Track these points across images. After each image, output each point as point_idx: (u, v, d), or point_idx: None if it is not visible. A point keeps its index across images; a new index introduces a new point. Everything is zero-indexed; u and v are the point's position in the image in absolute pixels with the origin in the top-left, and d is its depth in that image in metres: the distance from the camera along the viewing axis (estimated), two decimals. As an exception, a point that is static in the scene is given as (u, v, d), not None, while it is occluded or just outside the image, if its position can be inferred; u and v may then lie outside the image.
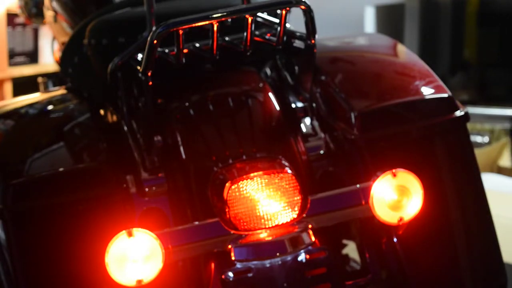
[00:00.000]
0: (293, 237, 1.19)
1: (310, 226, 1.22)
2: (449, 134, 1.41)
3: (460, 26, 4.22)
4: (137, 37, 1.41)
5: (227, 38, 1.31)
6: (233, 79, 1.46)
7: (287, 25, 1.28)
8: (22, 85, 3.69)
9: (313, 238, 1.21)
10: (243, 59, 1.39)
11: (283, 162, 1.24)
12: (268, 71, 1.55)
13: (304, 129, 1.45)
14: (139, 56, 1.31)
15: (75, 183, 1.28)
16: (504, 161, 3.79)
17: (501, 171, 3.73)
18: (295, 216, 1.19)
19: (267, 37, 1.32)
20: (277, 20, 1.25)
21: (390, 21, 4.29)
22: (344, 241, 1.57)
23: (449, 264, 1.38)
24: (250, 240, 1.19)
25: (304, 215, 1.21)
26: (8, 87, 3.77)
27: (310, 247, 1.21)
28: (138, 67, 1.23)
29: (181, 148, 1.36)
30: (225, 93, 1.42)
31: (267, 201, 1.18)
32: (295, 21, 1.42)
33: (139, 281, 1.14)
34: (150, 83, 1.22)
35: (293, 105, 1.46)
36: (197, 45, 1.31)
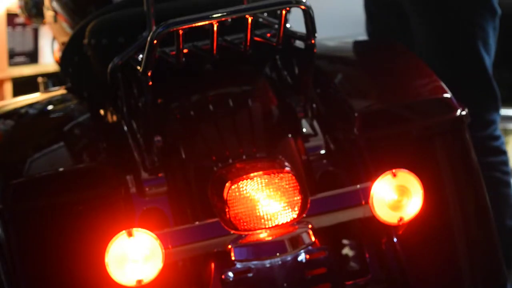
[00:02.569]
0: (293, 237, 1.19)
1: (310, 226, 1.22)
2: (449, 134, 1.41)
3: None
4: (137, 37, 1.41)
5: (227, 38, 1.31)
6: (233, 79, 1.46)
7: (287, 25, 1.28)
8: (22, 85, 3.68)
9: (313, 238, 1.21)
10: (243, 59, 1.39)
11: (283, 162, 1.24)
12: (268, 71, 1.55)
13: (304, 129, 1.45)
14: (139, 56, 1.31)
15: (75, 183, 1.28)
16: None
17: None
18: (295, 216, 1.19)
19: (267, 37, 1.32)
20: (277, 20, 1.25)
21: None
22: (344, 241, 1.57)
23: (449, 264, 1.38)
24: (250, 240, 1.19)
25: (304, 215, 1.21)
26: (8, 87, 3.77)
27: (310, 247, 1.21)
28: (138, 67, 1.23)
29: (181, 148, 1.36)
30: (225, 93, 1.42)
31: (267, 201, 1.18)
32: (295, 21, 1.42)
33: (139, 281, 1.14)
34: (150, 83, 1.22)
35: (293, 105, 1.46)
36: (197, 45, 1.31)
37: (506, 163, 1.92)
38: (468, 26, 1.82)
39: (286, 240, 1.19)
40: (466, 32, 1.82)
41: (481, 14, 1.81)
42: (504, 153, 1.92)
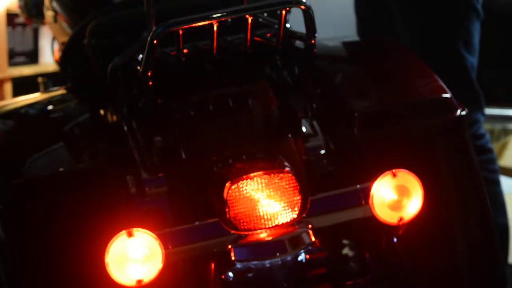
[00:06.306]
0: (293, 237, 1.19)
1: (310, 226, 1.22)
2: (449, 134, 1.41)
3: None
4: (137, 37, 1.41)
5: (227, 38, 1.31)
6: (233, 79, 1.46)
7: (287, 25, 1.28)
8: (22, 85, 3.69)
9: (313, 238, 1.21)
10: (243, 59, 1.39)
11: (283, 162, 1.24)
12: (268, 71, 1.55)
13: (304, 129, 1.44)
14: (139, 56, 1.31)
15: (75, 183, 1.28)
16: (505, 161, 3.79)
17: (502, 171, 3.72)
18: (295, 216, 1.19)
19: (267, 37, 1.32)
20: (277, 20, 1.25)
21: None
22: (344, 241, 1.57)
23: (449, 264, 1.38)
24: (250, 240, 1.19)
25: (304, 215, 1.21)
26: (8, 87, 3.77)
27: (310, 247, 1.21)
28: (138, 67, 1.23)
29: (181, 148, 1.36)
30: (225, 93, 1.42)
31: (267, 201, 1.18)
32: (296, 21, 1.42)
33: (139, 281, 1.14)
34: (150, 83, 1.22)
35: (293, 105, 1.46)
36: (197, 45, 1.31)
37: (492, 161, 1.93)
38: (450, 26, 1.83)
39: (286, 240, 1.19)
40: (447, 31, 1.84)
41: (465, 14, 1.83)
42: (490, 151, 1.93)
